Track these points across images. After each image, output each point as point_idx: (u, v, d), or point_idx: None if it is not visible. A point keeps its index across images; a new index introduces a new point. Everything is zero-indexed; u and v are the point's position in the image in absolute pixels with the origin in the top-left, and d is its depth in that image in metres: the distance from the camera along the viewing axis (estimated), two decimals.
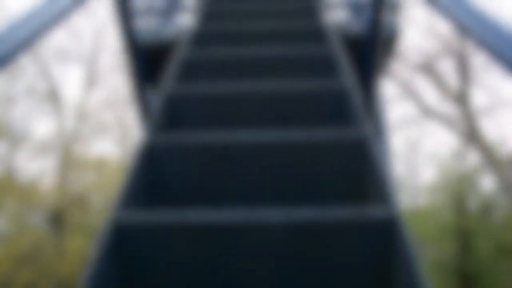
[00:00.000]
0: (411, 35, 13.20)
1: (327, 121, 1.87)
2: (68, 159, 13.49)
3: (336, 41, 2.42)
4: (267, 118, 1.91)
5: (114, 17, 3.34)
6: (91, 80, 14.37)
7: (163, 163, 1.63)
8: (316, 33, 2.65)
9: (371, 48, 3.34)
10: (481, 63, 12.98)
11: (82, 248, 11.90)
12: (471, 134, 13.41)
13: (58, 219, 12.76)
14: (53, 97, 14.13)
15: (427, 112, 14.29)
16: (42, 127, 18.82)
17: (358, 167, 1.56)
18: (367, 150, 1.53)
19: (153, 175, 1.63)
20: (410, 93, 14.30)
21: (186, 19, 4.03)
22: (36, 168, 13.70)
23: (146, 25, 3.93)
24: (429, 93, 14.26)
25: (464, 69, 13.78)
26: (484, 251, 12.32)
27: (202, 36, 2.67)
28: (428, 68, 14.17)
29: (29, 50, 2.03)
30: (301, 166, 1.59)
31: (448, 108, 14.05)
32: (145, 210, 1.46)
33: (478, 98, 15.94)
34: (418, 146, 14.60)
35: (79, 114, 14.14)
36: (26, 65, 13.13)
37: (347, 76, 2.00)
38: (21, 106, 13.90)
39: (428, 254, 12.51)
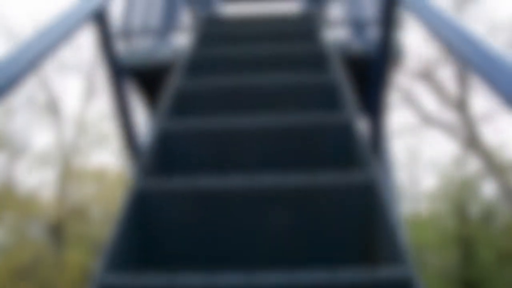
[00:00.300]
0: (410, 43, 13.17)
1: (331, 160, 1.80)
2: (67, 171, 13.43)
3: (338, 67, 2.35)
4: (267, 156, 1.83)
5: (96, 41, 3.01)
6: (90, 91, 14.32)
7: (154, 211, 1.53)
8: (318, 58, 2.58)
9: (378, 67, 3.18)
10: None
11: (82, 260, 11.84)
12: (471, 141, 13.37)
13: (57, 231, 12.69)
14: (52, 109, 14.09)
15: (427, 120, 14.26)
16: (42, 138, 18.76)
17: (366, 214, 1.49)
18: (375, 196, 1.46)
19: (144, 225, 1.53)
20: (409, 100, 14.27)
21: (181, 40, 3.80)
22: (36, 179, 13.66)
23: (138, 46, 3.66)
24: (429, 101, 14.23)
25: (463, 76, 13.76)
26: (486, 258, 12.27)
27: (197, 62, 2.58)
28: (427, 76, 14.15)
29: (35, 72, 1.93)
30: (303, 213, 1.51)
31: (448, 115, 14.02)
32: (132, 272, 1.36)
33: (478, 104, 15.91)
34: (418, 154, 14.57)
35: (79, 125, 14.09)
36: None
37: (351, 108, 1.92)
38: (21, 118, 13.88)
39: (430, 262, 12.46)
